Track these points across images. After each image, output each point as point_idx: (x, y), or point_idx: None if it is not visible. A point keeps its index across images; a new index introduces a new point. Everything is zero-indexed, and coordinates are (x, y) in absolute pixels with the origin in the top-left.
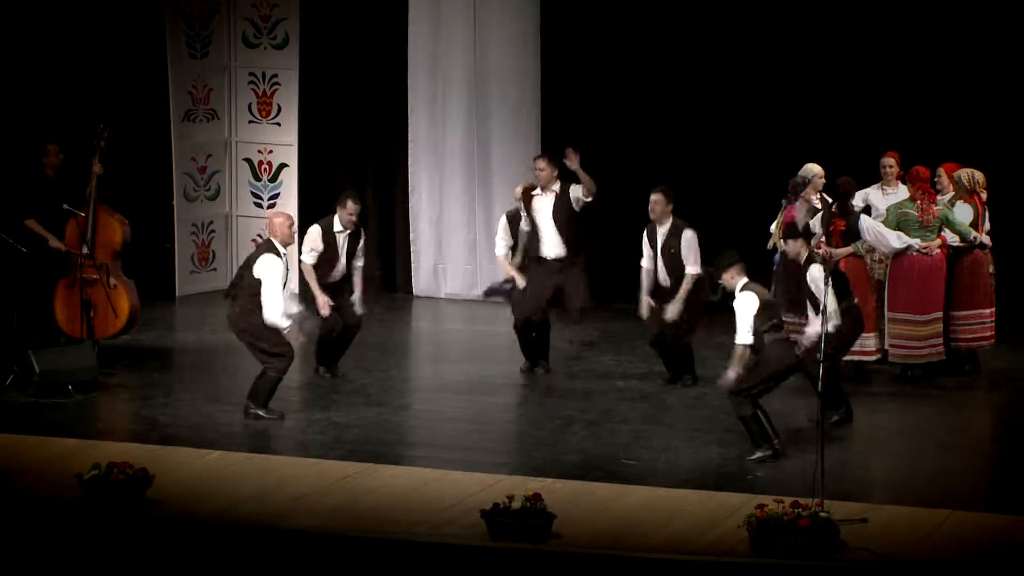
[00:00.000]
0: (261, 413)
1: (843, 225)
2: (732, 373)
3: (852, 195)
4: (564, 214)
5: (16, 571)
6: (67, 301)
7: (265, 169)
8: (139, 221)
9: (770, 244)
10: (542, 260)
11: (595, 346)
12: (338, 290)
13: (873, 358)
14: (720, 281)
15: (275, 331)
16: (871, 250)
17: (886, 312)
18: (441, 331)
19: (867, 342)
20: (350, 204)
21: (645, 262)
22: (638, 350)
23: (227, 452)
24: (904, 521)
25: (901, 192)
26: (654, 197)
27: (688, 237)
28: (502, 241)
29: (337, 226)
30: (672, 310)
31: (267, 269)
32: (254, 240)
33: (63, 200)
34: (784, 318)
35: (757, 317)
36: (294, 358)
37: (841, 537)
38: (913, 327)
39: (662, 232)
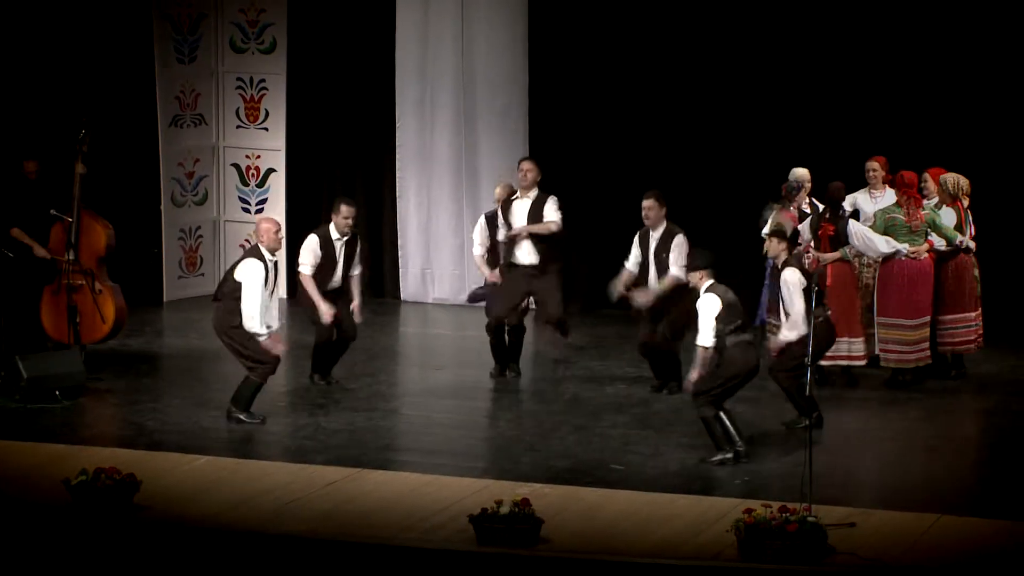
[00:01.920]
0: (242, 417)
1: (832, 230)
2: (694, 374)
3: (842, 200)
4: (539, 221)
5: None
6: (53, 307)
7: (253, 174)
8: (126, 226)
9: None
10: (515, 266)
11: (583, 351)
12: (335, 298)
13: (862, 363)
14: (688, 280)
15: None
16: (859, 255)
17: (875, 317)
18: (429, 336)
19: (855, 346)
20: (344, 208)
21: (629, 263)
22: (626, 355)
23: (215, 457)
24: (892, 526)
25: (889, 196)
26: (647, 203)
27: (679, 241)
28: (478, 242)
29: (334, 233)
30: (641, 298)
31: (248, 273)
32: (242, 245)
33: (48, 205)
34: (772, 320)
35: (720, 319)
36: (278, 365)
37: (829, 542)
38: (903, 332)
39: (655, 237)
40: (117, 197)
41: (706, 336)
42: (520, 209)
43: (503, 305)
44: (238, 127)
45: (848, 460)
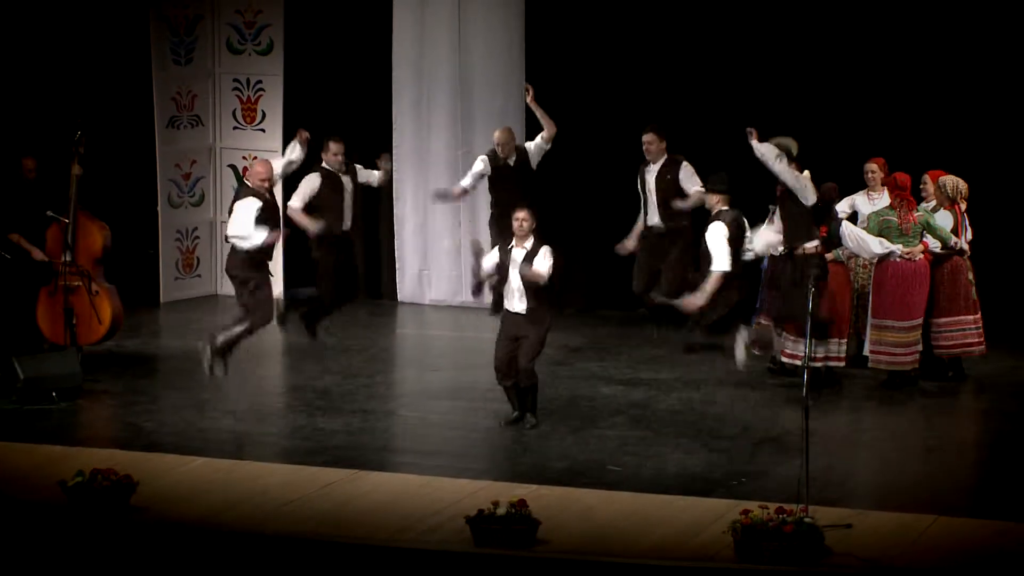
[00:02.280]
0: (211, 358)
1: (824, 231)
2: (699, 297)
3: (836, 201)
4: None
5: None
6: (50, 308)
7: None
8: (123, 227)
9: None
10: (507, 312)
11: (581, 352)
12: (342, 246)
13: (843, 363)
14: (706, 201)
15: (264, 284)
16: (852, 256)
17: (869, 318)
18: (426, 337)
19: (843, 347)
20: (332, 146)
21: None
22: (624, 356)
23: (211, 459)
24: (889, 527)
25: (887, 198)
26: (647, 137)
27: (686, 165)
28: (469, 178)
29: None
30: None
31: (241, 204)
32: None
33: (45, 206)
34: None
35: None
36: (270, 320)
37: (826, 543)
38: (897, 333)
39: (654, 169)
40: (114, 198)
41: (721, 260)
42: (517, 258)
43: (497, 354)
44: (235, 128)
45: (845, 461)
